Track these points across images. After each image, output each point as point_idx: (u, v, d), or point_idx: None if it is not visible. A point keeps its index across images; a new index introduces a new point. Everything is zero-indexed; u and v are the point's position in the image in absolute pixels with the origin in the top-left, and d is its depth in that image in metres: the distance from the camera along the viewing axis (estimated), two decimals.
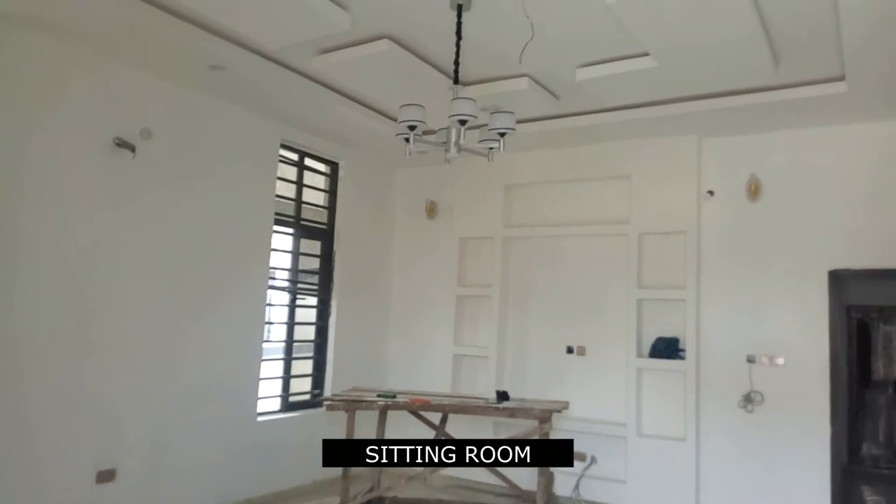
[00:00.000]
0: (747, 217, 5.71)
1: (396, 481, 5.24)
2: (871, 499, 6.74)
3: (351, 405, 4.94)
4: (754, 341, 5.56)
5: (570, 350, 6.39)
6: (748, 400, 5.50)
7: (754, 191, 5.67)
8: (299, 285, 6.51)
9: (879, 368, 9.02)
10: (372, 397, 5.08)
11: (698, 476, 5.57)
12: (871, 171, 5.28)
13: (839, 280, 5.35)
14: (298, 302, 6.46)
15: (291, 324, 6.29)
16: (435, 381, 6.70)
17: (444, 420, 5.39)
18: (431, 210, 7.27)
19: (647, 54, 4.34)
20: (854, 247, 5.29)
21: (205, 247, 5.30)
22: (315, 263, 6.68)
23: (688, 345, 5.75)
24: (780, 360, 5.45)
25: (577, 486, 5.95)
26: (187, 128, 5.15)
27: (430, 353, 7.04)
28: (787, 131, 5.59)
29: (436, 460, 4.76)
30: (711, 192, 5.87)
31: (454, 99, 3.54)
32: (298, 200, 6.39)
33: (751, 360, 5.55)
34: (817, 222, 5.43)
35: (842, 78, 4.59)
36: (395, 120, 4.26)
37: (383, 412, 5.47)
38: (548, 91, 5.12)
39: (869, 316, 9.11)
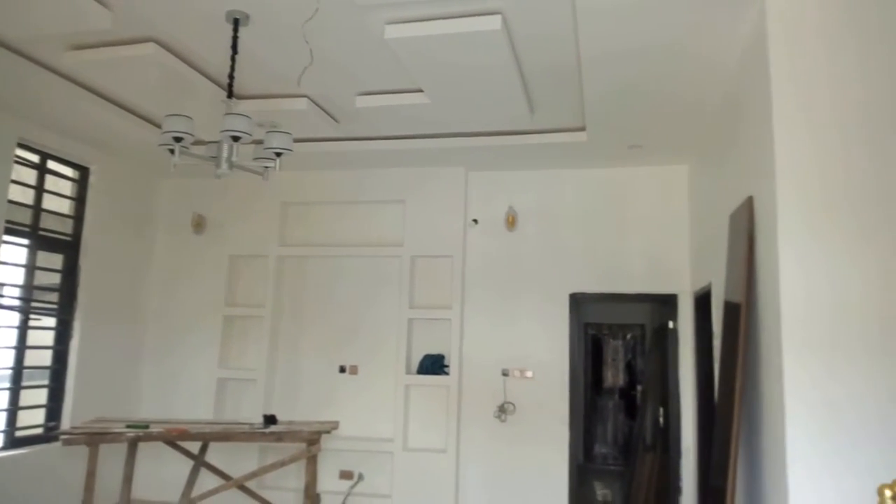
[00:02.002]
0: (505, 245, 6.30)
1: None
2: (601, 492, 7.77)
3: (94, 438, 4.42)
4: (508, 356, 6.13)
5: (342, 369, 6.43)
6: (502, 410, 6.02)
7: (511, 222, 6.27)
8: (34, 304, 5.69)
9: (609, 377, 10.49)
10: (120, 428, 4.60)
11: (457, 484, 5.94)
12: (602, 210, 6.16)
13: (578, 302, 6.12)
14: (32, 323, 5.64)
15: (22, 348, 5.46)
16: (196, 408, 6.29)
17: (203, 449, 5.07)
18: (199, 224, 6.84)
19: (421, 91, 4.60)
20: (589, 273, 6.10)
21: None
22: (55, 279, 5.89)
23: (452, 361, 6.14)
24: (529, 373, 6.07)
25: None
26: None
27: (192, 377, 6.57)
28: (538, 171, 6.30)
29: (192, 493, 4.46)
30: (476, 221, 6.37)
31: (227, 114, 3.42)
32: (37, 207, 5.61)
33: (505, 373, 6.10)
34: (561, 252, 6.18)
35: (583, 128, 5.31)
36: (160, 127, 3.97)
37: (133, 445, 4.98)
38: (327, 114, 5.17)
39: (601, 332, 10.56)
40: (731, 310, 3.80)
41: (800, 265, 3.01)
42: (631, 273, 6.02)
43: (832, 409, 2.88)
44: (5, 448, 5.28)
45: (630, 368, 10.34)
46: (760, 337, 3.40)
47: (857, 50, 3.11)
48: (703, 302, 5.17)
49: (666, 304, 6.09)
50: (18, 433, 5.42)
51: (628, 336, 10.45)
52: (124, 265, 6.52)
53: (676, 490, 5.70)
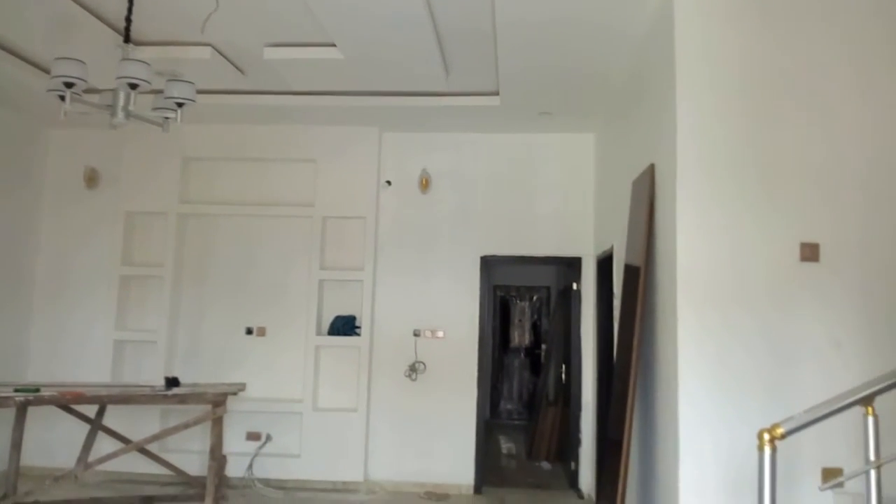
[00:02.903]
0: (418, 207, 6.30)
1: (39, 484, 4.57)
2: (506, 445, 8.11)
3: None
4: (420, 317, 6.20)
5: (249, 331, 6.30)
6: (413, 370, 6.11)
7: (425, 184, 6.28)
8: None
9: (515, 337, 10.85)
10: (7, 392, 4.33)
11: (367, 442, 6.01)
12: (513, 175, 6.28)
13: (488, 264, 6.25)
14: None
15: None
16: (91, 371, 5.95)
17: (101, 413, 4.86)
18: (92, 179, 6.40)
19: (334, 45, 4.48)
20: (500, 237, 6.23)
21: None
22: None
23: (363, 322, 6.14)
24: (440, 334, 6.18)
25: (250, 466, 5.92)
26: None
27: (86, 340, 6.21)
28: (453, 134, 6.32)
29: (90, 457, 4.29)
30: (389, 182, 6.33)
31: (123, 59, 3.21)
32: None
33: (416, 334, 6.18)
34: (473, 215, 6.27)
35: (497, 93, 5.35)
36: (47, 72, 3.67)
37: (22, 409, 4.70)
38: (233, 65, 4.93)
39: (509, 294, 10.87)
40: (631, 272, 4.01)
41: (695, 228, 3.22)
42: (539, 237, 6.21)
43: (721, 361, 3.13)
44: None
45: (535, 329, 10.74)
46: (657, 296, 3.62)
47: (759, 23, 3.31)
48: (605, 265, 5.41)
49: (571, 266, 6.33)
50: None
51: (534, 298, 10.83)
52: (4, 222, 6.03)
53: (576, 441, 6.02)
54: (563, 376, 6.60)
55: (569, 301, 6.57)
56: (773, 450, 2.03)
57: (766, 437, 2.03)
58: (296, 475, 5.92)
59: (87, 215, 6.41)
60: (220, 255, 6.37)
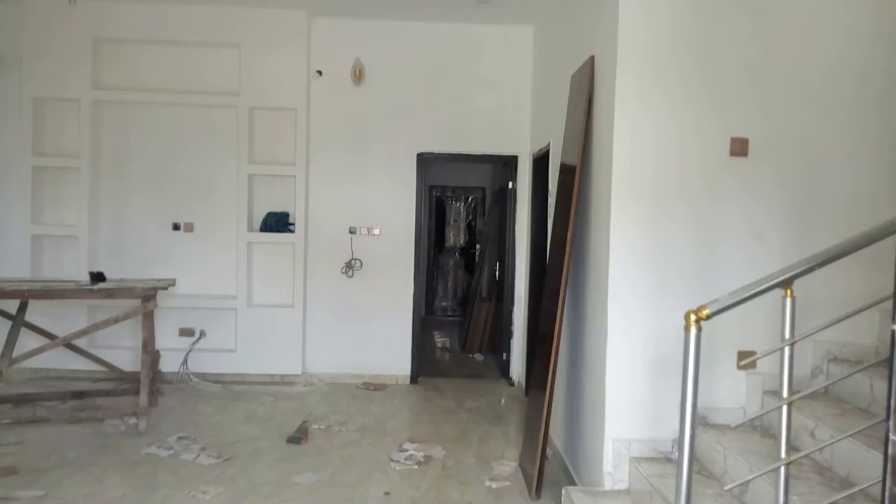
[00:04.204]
0: (352, 99, 6.07)
1: None
2: (440, 339, 8.35)
3: None
4: (356, 215, 6.13)
5: (176, 227, 6.08)
6: (349, 266, 6.10)
7: (358, 75, 6.02)
8: None
9: (450, 237, 10.97)
10: None
11: (305, 336, 6.06)
12: (450, 68, 6.10)
13: (425, 162, 6.16)
14: None
15: None
16: (8, 267, 5.66)
17: (22, 308, 4.66)
18: None
19: None
20: (436, 133, 6.12)
21: None
22: None
23: (297, 219, 6.02)
24: (377, 231, 6.14)
25: (185, 361, 5.89)
26: None
27: (1, 235, 5.87)
28: (387, 21, 6.02)
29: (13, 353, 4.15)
30: (320, 72, 6.04)
31: None
32: None
33: (352, 231, 6.12)
34: (409, 110, 6.10)
35: None
36: None
37: None
38: None
39: (445, 195, 10.87)
40: (567, 168, 4.03)
41: (632, 121, 3.24)
42: (476, 134, 6.13)
43: (650, 252, 3.24)
44: None
45: (470, 229, 10.87)
46: (591, 191, 3.67)
47: None
48: (541, 163, 5.43)
49: (507, 165, 6.33)
50: None
51: (469, 199, 10.88)
52: None
53: (508, 334, 6.25)
54: (497, 274, 6.75)
55: (504, 201, 6.62)
56: (699, 330, 2.13)
57: (693, 317, 2.12)
58: (232, 369, 5.94)
59: None
60: (141, 147, 6.01)
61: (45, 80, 5.80)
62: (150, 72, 5.95)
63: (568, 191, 3.87)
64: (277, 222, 6.06)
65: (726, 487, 2.55)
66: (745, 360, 2.97)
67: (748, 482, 2.49)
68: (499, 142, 6.15)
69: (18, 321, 4.60)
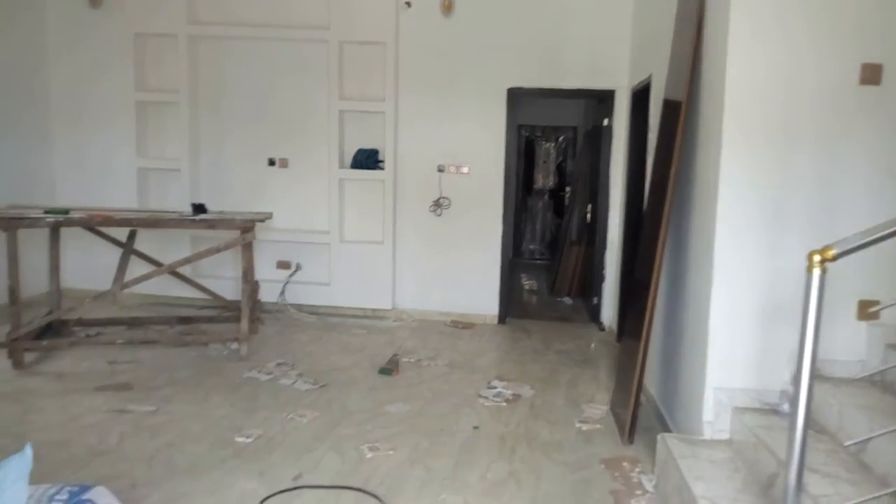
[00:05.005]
0: (441, 32, 5.89)
1: (79, 302, 4.77)
2: (527, 283, 8.29)
3: (11, 223, 4.18)
4: (444, 152, 6.04)
5: (271, 162, 6.22)
6: (437, 205, 6.07)
7: (448, 6, 5.82)
8: None
9: (539, 179, 10.73)
10: (38, 214, 4.37)
11: (394, 273, 6.13)
12: None
13: (515, 97, 5.94)
14: None
15: None
16: (118, 198, 5.97)
17: (132, 236, 4.93)
18: None
19: None
20: (527, 67, 5.87)
21: None
22: None
23: (386, 156, 6.01)
24: (465, 169, 6.05)
25: (282, 293, 6.12)
26: None
27: (110, 167, 6.21)
28: None
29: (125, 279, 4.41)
30: (409, 4, 5.88)
31: None
32: None
33: (441, 169, 6.05)
34: (499, 42, 5.86)
35: None
36: None
37: (55, 231, 4.79)
38: None
39: (534, 135, 10.58)
40: (671, 102, 3.76)
41: (748, 49, 2.94)
42: (569, 67, 5.83)
43: (762, 192, 2.98)
44: None
45: (560, 170, 10.56)
46: (699, 126, 3.41)
47: None
48: (640, 98, 5.13)
49: (602, 101, 6.03)
50: None
51: (560, 139, 10.54)
52: (12, 41, 5.81)
53: (600, 278, 6.08)
54: (589, 216, 6.54)
55: (596, 141, 6.34)
56: (823, 272, 1.94)
57: (817, 258, 1.94)
58: (326, 302, 6.13)
59: (95, 36, 6.13)
60: (236, 83, 6.13)
61: (145, 15, 5.96)
62: (243, 6, 5.99)
63: (671, 126, 3.62)
64: (367, 159, 6.07)
65: (846, 443, 2.38)
66: (870, 309, 2.74)
67: (868, 440, 2.31)
68: (594, 75, 5.83)
69: (128, 249, 4.87)
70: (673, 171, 3.42)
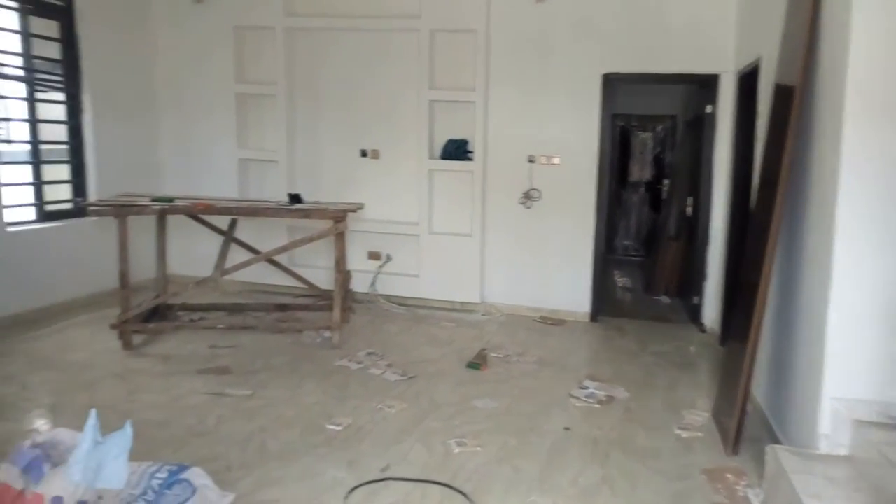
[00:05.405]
0: (533, 17, 5.72)
1: (183, 287, 4.99)
2: (621, 280, 7.99)
3: (121, 210, 4.43)
4: (535, 142, 5.87)
5: (364, 153, 6.28)
6: (528, 197, 5.93)
7: None
8: (37, 75, 5.39)
9: (635, 171, 10.31)
10: (146, 202, 4.60)
11: (483, 266, 6.05)
12: None
13: (611, 84, 5.69)
14: (40, 96, 5.41)
15: (34, 121, 5.30)
16: (219, 187, 6.21)
17: (232, 225, 5.11)
18: None
19: None
20: (624, 52, 5.59)
21: None
22: (55, 50, 5.51)
23: (476, 146, 5.93)
24: (556, 160, 5.87)
25: (373, 283, 6.19)
26: None
27: (211, 157, 6.48)
28: None
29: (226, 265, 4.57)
30: None
31: None
32: None
33: (531, 159, 5.90)
34: (594, 26, 5.62)
35: None
36: None
37: (161, 218, 5.03)
38: None
39: (630, 124, 10.17)
40: (783, 86, 3.46)
41: (872, 23, 2.65)
42: (669, 50, 5.50)
43: (890, 183, 2.69)
44: (38, 221, 5.39)
45: (658, 162, 10.10)
46: (815, 111, 3.11)
47: None
48: (747, 82, 4.78)
49: (705, 86, 5.68)
50: (47, 207, 5.49)
51: (658, 128, 10.08)
52: (125, 34, 6.17)
53: (702, 276, 5.74)
54: (690, 209, 6.20)
55: (697, 131, 5.98)
56: None
57: None
58: (415, 293, 6.14)
59: (198, 30, 6.39)
60: (330, 74, 6.23)
61: (244, 9, 6.17)
62: None
63: (784, 111, 3.32)
64: (457, 149, 6.01)
65: None
66: None
67: None
68: (696, 59, 5.47)
69: (229, 236, 5.05)
70: (786, 159, 3.14)
